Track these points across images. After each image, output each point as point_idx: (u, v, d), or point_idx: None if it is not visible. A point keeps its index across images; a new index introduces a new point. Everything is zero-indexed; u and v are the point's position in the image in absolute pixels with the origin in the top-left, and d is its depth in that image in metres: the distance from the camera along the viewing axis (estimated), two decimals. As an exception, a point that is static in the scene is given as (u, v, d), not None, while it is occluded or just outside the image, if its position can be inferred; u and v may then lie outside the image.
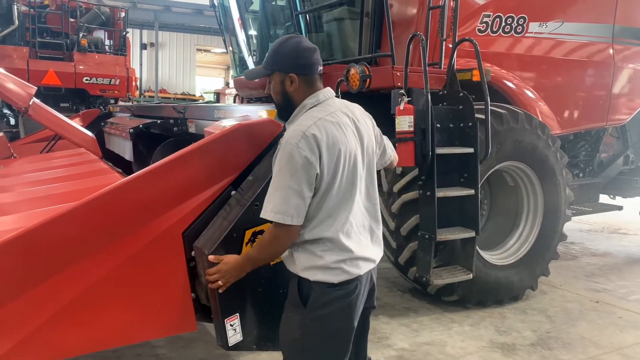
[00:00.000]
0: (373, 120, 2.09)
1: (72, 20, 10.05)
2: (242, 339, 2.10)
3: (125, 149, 4.16)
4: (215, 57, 25.98)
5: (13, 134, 8.10)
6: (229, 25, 5.60)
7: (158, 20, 19.54)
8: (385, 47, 4.53)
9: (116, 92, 10.10)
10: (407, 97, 3.46)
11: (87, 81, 9.67)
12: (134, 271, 1.90)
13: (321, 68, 1.92)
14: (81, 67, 9.76)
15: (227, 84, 22.72)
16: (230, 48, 5.72)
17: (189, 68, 22.54)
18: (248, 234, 2.10)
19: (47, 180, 3.33)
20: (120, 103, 10.27)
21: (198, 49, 23.08)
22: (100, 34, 10.80)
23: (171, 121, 3.97)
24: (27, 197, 2.83)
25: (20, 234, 1.69)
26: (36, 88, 5.17)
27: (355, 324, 1.92)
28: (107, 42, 10.93)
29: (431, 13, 4.14)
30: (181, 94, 20.83)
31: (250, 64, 5.42)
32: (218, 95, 20.92)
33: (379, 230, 2.02)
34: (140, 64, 19.44)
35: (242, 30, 5.39)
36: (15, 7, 9.10)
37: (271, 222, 1.77)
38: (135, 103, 10.68)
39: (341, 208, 1.82)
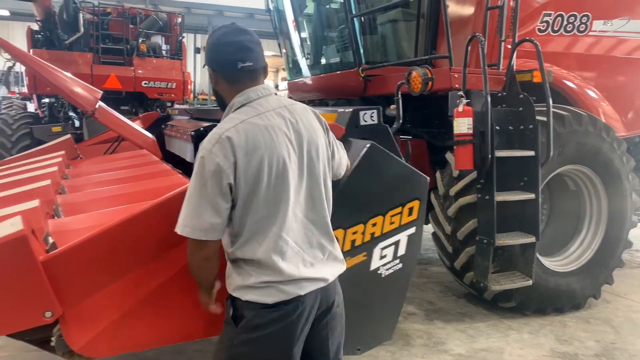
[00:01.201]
0: (325, 124, 1.87)
1: (131, 26, 10.47)
2: None
3: (186, 151, 4.28)
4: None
5: (78, 136, 8.51)
6: (283, 29, 5.68)
7: (211, 25, 20.04)
8: (441, 49, 4.49)
9: (172, 95, 10.42)
10: (466, 99, 3.41)
11: (146, 85, 10.02)
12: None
13: (249, 64, 1.69)
14: (140, 71, 10.13)
15: (277, 87, 23.01)
16: (285, 51, 5.80)
17: (240, 71, 22.95)
18: None
19: (115, 180, 3.48)
20: (176, 106, 10.59)
21: (249, 52, 23.46)
22: (157, 39, 11.18)
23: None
24: (97, 197, 2.97)
25: (100, 232, 1.78)
26: (102, 92, 5.40)
27: (296, 350, 1.69)
28: (164, 46, 11.30)
29: (489, 13, 4.06)
30: (233, 96, 21.24)
31: (304, 67, 5.48)
32: (268, 98, 21.21)
33: (333, 245, 1.80)
34: (194, 68, 19.97)
35: (297, 33, 5.46)
36: (81, 15, 9.56)
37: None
38: (190, 106, 11.01)
39: (270, 223, 1.62)
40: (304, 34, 5.44)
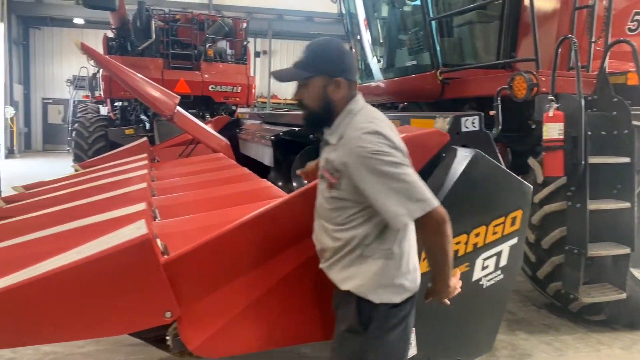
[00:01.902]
0: None
1: (198, 32, 10.75)
2: (416, 352, 2.11)
3: (264, 155, 4.37)
4: (322, 63, 26.49)
5: (149, 138, 8.82)
6: (355, 32, 5.69)
7: (271, 29, 20.35)
8: (521, 51, 4.37)
9: (238, 99, 10.61)
10: (556, 103, 3.29)
11: (213, 89, 10.26)
12: (308, 275, 1.99)
13: None
14: (206, 75, 10.40)
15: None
16: (355, 51, 5.80)
17: (299, 74, 23.16)
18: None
19: (202, 183, 3.57)
20: (240, 110, 10.80)
21: (306, 55, 23.65)
22: (222, 44, 11.44)
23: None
24: (190, 200, 3.07)
25: (217, 235, 1.83)
26: (179, 97, 5.58)
27: None
28: (228, 51, 11.55)
29: (576, 13, 3.91)
30: (290, 99, 21.49)
31: (377, 70, 5.46)
32: (324, 100, 21.31)
33: None
34: (254, 72, 20.35)
35: (369, 36, 5.45)
36: (153, 22, 9.94)
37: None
38: (251, 109, 11.20)
39: None
40: (377, 37, 5.42)
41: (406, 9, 5.16)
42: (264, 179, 3.61)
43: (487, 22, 4.63)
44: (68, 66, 19.78)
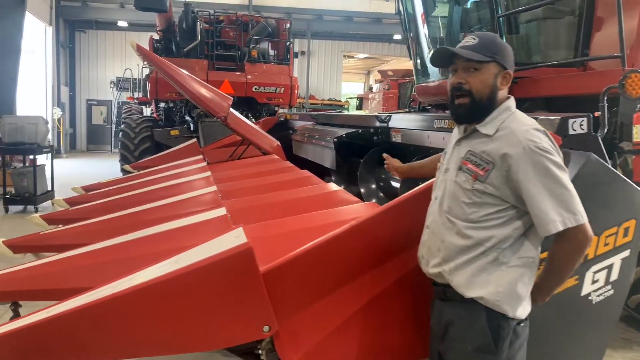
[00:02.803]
0: None
1: (241, 32, 10.76)
2: None
3: (324, 157, 4.26)
4: (357, 63, 26.34)
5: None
6: (413, 31, 5.53)
7: (310, 29, 20.31)
8: (596, 47, 4.14)
9: (280, 99, 10.56)
10: (647, 104, 3.06)
11: (256, 90, 10.24)
12: (411, 288, 1.86)
13: None
14: (250, 76, 10.39)
15: (371, 89, 22.89)
16: (414, 53, 5.63)
17: (336, 74, 23.10)
18: None
19: (266, 186, 3.48)
20: (281, 111, 10.75)
21: (344, 55, 23.57)
22: (264, 45, 11.42)
23: (371, 130, 4.00)
24: (260, 203, 2.98)
25: (318, 243, 1.72)
26: (232, 99, 5.53)
27: None
28: (270, 52, 11.53)
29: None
30: (328, 100, 21.43)
31: (435, 70, 5.28)
32: (361, 101, 21.19)
33: None
34: (292, 72, 20.33)
35: (428, 35, 5.28)
36: (199, 23, 9.99)
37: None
38: (290, 110, 11.13)
39: None
40: (437, 35, 5.24)
41: (469, 5, 4.97)
42: (330, 182, 3.50)
43: (556, 17, 4.40)
44: (111, 68, 20.24)
